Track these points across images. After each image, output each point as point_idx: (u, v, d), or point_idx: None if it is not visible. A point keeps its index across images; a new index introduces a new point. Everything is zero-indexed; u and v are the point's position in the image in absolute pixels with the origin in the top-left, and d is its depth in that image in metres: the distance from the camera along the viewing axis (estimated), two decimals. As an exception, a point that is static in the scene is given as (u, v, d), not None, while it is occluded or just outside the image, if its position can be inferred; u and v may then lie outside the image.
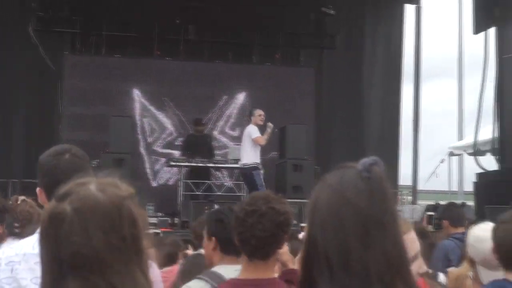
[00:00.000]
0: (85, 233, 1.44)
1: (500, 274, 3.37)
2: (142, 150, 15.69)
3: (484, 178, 13.86)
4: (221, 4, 15.79)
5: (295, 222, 8.47)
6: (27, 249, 2.39)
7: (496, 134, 13.90)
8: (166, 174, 15.68)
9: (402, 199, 17.53)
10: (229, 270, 3.14)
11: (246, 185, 12.59)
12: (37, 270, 1.65)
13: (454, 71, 22.18)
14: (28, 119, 15.62)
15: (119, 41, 15.54)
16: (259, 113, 12.34)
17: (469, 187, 17.21)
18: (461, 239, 5.14)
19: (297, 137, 13.60)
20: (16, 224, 4.36)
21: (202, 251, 4.07)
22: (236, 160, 13.29)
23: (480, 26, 14.40)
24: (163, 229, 11.60)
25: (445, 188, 21.26)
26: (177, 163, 13.85)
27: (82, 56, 15.74)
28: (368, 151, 16.42)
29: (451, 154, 18.95)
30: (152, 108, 15.96)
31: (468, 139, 16.62)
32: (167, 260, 5.70)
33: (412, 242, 2.20)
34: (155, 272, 2.61)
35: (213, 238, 3.40)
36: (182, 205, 13.29)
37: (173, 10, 15.73)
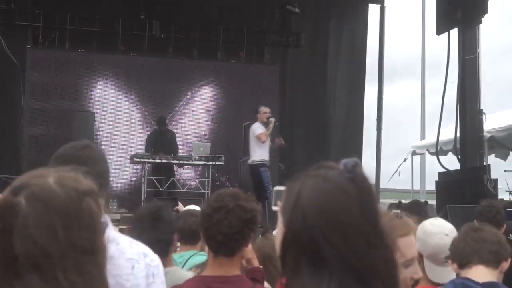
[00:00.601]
0: (40, 227, 1.39)
1: (447, 270, 3.41)
2: (105, 146, 15.57)
3: (445, 177, 14.02)
4: (186, 0, 15.75)
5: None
6: None
7: (458, 134, 14.07)
8: (129, 171, 15.56)
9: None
10: None
11: (252, 182, 12.42)
12: None
13: (417, 71, 22.39)
14: (-11, 114, 15.37)
15: (83, 36, 15.35)
16: (264, 110, 12.33)
17: (431, 186, 17.39)
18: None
19: (261, 134, 13.58)
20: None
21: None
22: (201, 157, 13.26)
23: (443, 27, 14.54)
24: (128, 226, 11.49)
25: (407, 187, 21.43)
26: (141, 160, 13.78)
27: (45, 50, 15.51)
28: (332, 149, 16.53)
29: (414, 153, 19.09)
30: (116, 104, 15.82)
31: (431, 139, 16.77)
32: None
33: (408, 247, 2.13)
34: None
35: None
36: (145, 201, 13.22)
37: (138, 5, 15.64)
